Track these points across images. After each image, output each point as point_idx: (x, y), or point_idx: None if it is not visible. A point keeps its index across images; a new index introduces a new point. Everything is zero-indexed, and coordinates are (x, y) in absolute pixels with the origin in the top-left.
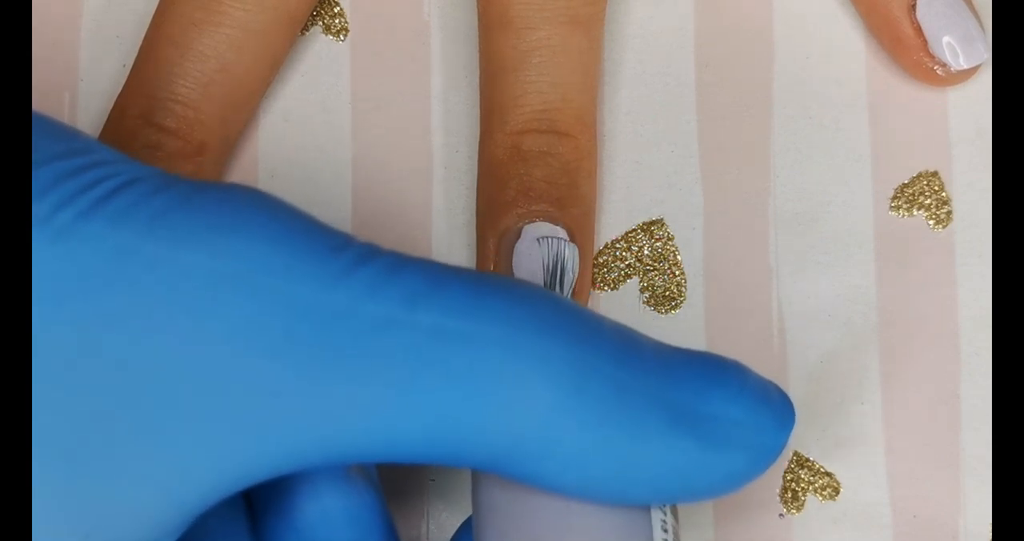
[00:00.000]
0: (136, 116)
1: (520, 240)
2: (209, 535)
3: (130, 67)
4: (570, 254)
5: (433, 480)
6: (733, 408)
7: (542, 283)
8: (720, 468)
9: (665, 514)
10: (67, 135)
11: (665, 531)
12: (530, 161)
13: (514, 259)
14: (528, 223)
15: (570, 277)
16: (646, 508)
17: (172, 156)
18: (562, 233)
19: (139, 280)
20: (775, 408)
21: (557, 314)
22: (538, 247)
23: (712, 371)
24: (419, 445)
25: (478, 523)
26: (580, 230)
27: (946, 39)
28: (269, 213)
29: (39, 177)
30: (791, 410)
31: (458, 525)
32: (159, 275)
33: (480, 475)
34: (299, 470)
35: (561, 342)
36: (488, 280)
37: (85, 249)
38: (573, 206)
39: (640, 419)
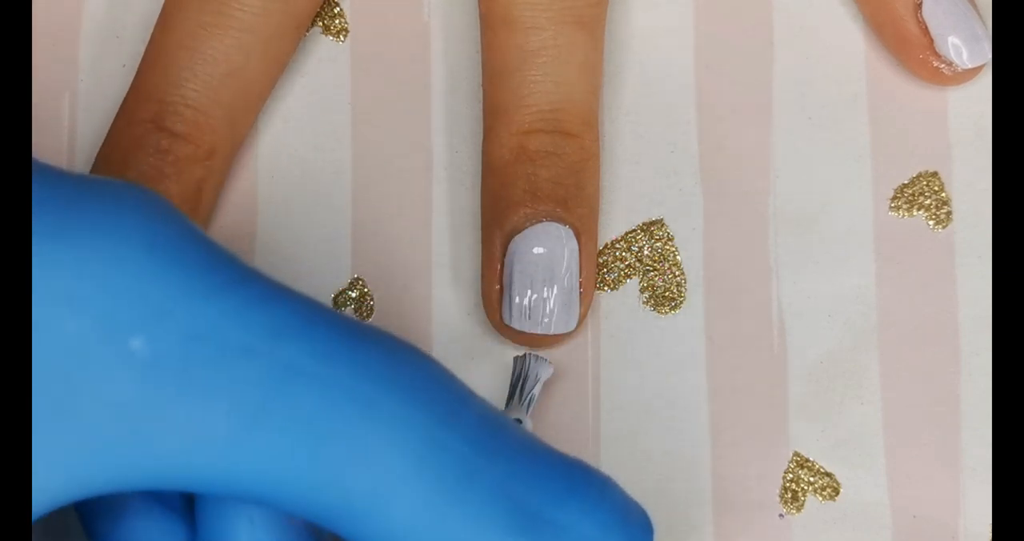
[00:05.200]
0: (145, 120)
1: (521, 239)
2: None
3: (130, 67)
4: (538, 369)
5: None
6: (585, 521)
7: (528, 306)
8: None
9: None
10: None
11: None
12: (537, 161)
13: (507, 258)
14: (535, 223)
15: (532, 389)
16: None
17: (181, 160)
18: (564, 233)
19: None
20: (629, 531)
21: (426, 381)
22: (533, 256)
23: (575, 478)
24: (250, 485)
25: None
26: (585, 230)
27: (952, 38)
28: (155, 219)
29: None
30: (648, 536)
31: None
32: (35, 270)
33: None
34: (131, 490)
35: (420, 410)
36: (366, 331)
37: None
38: (579, 206)
39: (481, 511)
